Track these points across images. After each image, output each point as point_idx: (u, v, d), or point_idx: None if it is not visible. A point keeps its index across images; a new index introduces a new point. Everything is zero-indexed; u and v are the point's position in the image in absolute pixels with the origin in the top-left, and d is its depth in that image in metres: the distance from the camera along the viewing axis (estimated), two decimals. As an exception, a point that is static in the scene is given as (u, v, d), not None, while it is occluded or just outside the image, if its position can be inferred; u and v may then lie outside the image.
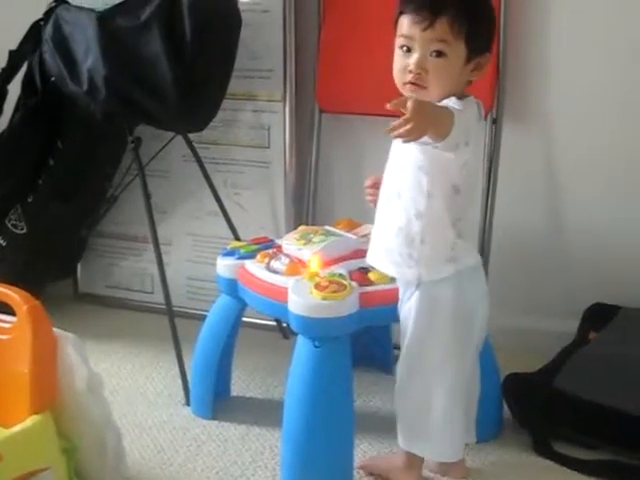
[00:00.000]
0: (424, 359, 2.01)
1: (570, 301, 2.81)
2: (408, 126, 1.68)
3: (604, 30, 2.74)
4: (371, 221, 2.29)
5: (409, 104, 1.68)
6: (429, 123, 1.73)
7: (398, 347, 2.11)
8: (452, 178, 1.92)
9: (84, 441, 1.88)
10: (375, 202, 2.12)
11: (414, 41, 1.88)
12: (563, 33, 2.78)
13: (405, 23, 1.90)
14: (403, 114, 1.68)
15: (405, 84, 1.91)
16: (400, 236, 1.97)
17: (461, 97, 1.90)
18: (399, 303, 2.07)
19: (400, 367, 2.05)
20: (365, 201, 2.23)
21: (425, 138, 1.77)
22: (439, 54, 1.86)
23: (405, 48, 1.90)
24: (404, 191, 1.96)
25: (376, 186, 2.14)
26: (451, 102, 1.85)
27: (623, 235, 2.82)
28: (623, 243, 2.83)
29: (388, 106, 1.70)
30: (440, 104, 1.84)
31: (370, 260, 2.12)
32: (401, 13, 1.92)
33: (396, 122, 1.69)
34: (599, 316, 2.72)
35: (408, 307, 2.02)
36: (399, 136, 1.71)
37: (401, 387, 2.06)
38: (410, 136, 1.71)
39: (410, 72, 1.88)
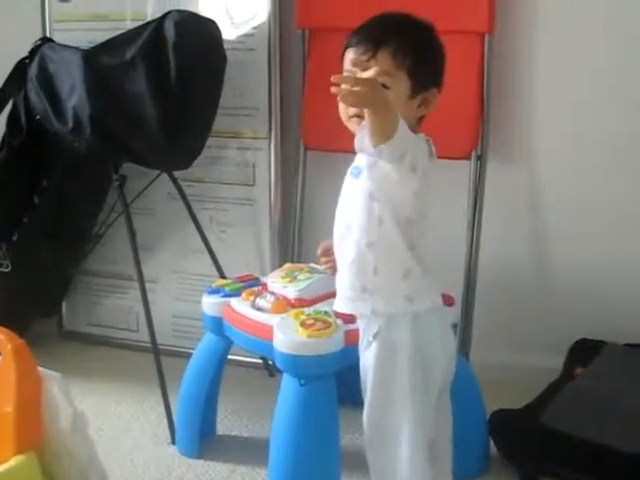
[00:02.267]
0: (387, 412, 1.95)
1: (556, 336, 2.81)
2: (357, 88, 1.66)
3: (589, 69, 2.78)
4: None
5: (371, 72, 1.72)
6: (374, 103, 1.69)
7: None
8: (403, 208, 1.88)
9: (69, 480, 1.87)
10: (333, 269, 2.09)
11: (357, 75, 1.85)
12: (548, 71, 2.80)
13: (349, 57, 1.90)
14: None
15: (350, 117, 1.90)
16: (352, 269, 1.92)
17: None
18: (359, 348, 1.99)
19: (366, 421, 1.98)
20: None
21: (364, 142, 1.76)
22: (382, 87, 1.81)
23: None
24: (354, 222, 1.92)
25: (328, 253, 2.12)
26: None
27: (608, 271, 2.84)
28: (608, 279, 2.84)
29: (333, 79, 1.68)
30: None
31: (335, 306, 2.05)
32: (346, 48, 1.92)
33: (348, 75, 1.70)
34: (585, 351, 2.72)
35: (365, 361, 1.96)
36: (341, 92, 1.68)
37: (369, 441, 2.01)
38: (351, 98, 1.69)
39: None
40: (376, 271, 1.90)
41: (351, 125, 1.91)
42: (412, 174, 1.82)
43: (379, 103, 1.70)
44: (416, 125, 1.93)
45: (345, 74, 1.87)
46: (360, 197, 1.90)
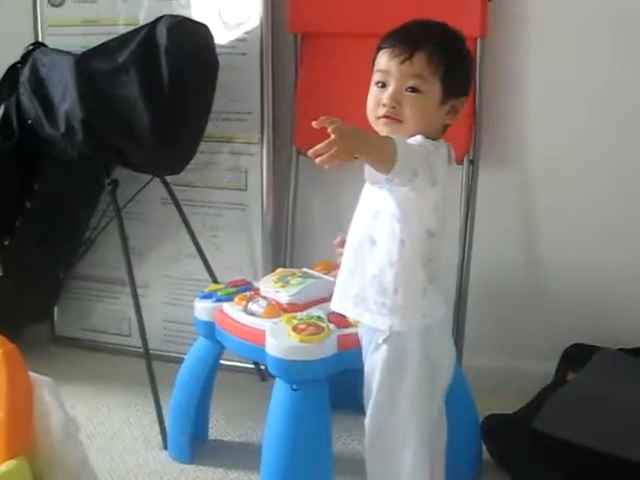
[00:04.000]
0: (392, 416, 1.97)
1: (548, 341, 2.81)
2: (332, 150, 1.64)
3: (582, 74, 2.78)
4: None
5: (330, 128, 1.65)
6: (356, 148, 1.68)
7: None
8: (426, 223, 1.89)
9: (60, 486, 1.86)
10: None
11: (390, 76, 1.87)
12: (540, 75, 2.81)
13: (383, 58, 1.90)
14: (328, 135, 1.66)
15: (378, 118, 1.89)
16: (374, 284, 1.93)
17: (434, 139, 1.89)
18: (363, 353, 2.02)
19: (369, 425, 2.00)
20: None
21: (375, 174, 1.76)
22: (414, 90, 1.85)
23: (380, 84, 1.89)
24: (380, 238, 1.92)
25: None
26: (415, 140, 1.84)
27: (601, 276, 2.84)
28: (601, 283, 2.85)
29: (314, 124, 1.67)
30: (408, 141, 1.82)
31: (337, 307, 2.06)
32: (380, 49, 1.92)
33: (319, 145, 1.66)
34: (578, 357, 2.72)
35: (372, 364, 1.98)
36: (322, 160, 1.66)
37: (371, 445, 2.02)
38: (335, 161, 1.66)
39: (384, 106, 1.87)
40: (396, 290, 1.91)
41: (378, 126, 1.90)
42: (432, 187, 1.83)
43: (358, 145, 1.70)
44: (440, 132, 1.94)
45: (372, 87, 1.91)
46: (386, 215, 1.90)
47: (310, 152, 1.67)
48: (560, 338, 2.78)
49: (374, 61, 1.94)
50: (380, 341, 1.94)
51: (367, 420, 2.00)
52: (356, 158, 1.73)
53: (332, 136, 1.64)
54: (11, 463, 1.73)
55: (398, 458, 1.98)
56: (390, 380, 1.95)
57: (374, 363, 1.97)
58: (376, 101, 1.89)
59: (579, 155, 2.82)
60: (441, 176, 1.85)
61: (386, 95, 1.87)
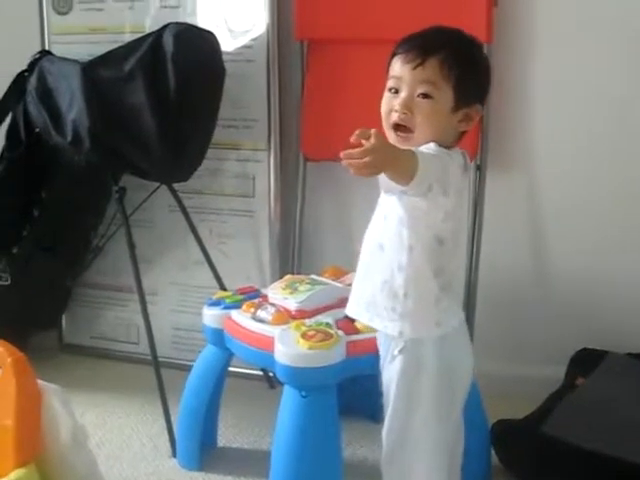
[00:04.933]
0: (409, 425, 1.96)
1: (557, 346, 2.81)
2: (366, 159, 1.63)
3: (589, 78, 2.78)
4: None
5: (372, 138, 1.64)
6: (387, 163, 1.68)
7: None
8: (434, 230, 1.88)
9: (69, 494, 1.86)
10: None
11: (402, 82, 1.86)
12: (547, 80, 2.80)
13: (396, 64, 1.89)
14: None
15: (392, 127, 1.88)
16: (384, 289, 1.92)
17: (448, 148, 1.88)
18: (380, 362, 2.01)
19: (386, 434, 1.99)
20: (351, 249, 2.21)
21: (389, 184, 1.76)
22: (425, 96, 1.84)
23: (393, 90, 1.88)
24: (387, 243, 1.92)
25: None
26: (428, 148, 1.83)
27: (610, 280, 2.84)
28: (610, 288, 2.84)
29: (352, 139, 1.67)
30: (420, 149, 1.81)
31: (352, 312, 2.06)
32: (394, 55, 1.91)
33: (354, 151, 1.65)
34: (586, 361, 2.71)
35: (389, 373, 1.97)
36: (352, 166, 1.66)
37: (388, 455, 2.01)
38: (364, 170, 1.66)
39: (395, 112, 1.86)
40: (406, 295, 1.90)
41: (391, 136, 1.88)
42: (444, 197, 1.82)
43: (390, 160, 1.69)
44: (455, 140, 1.92)
45: (385, 94, 1.90)
46: (393, 220, 1.89)
47: (343, 154, 1.66)
48: (568, 343, 2.77)
49: (388, 67, 1.93)
50: (396, 352, 1.93)
51: (385, 429, 1.99)
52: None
53: (371, 141, 1.64)
54: (20, 471, 1.73)
55: (415, 467, 1.97)
56: (407, 389, 1.94)
57: (391, 374, 1.96)
58: (388, 107, 1.88)
59: (586, 160, 2.82)
60: (454, 186, 1.84)
61: (398, 101, 1.86)
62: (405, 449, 1.97)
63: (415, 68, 1.85)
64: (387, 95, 1.90)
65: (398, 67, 1.88)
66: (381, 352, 2.01)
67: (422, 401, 1.94)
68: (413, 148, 1.79)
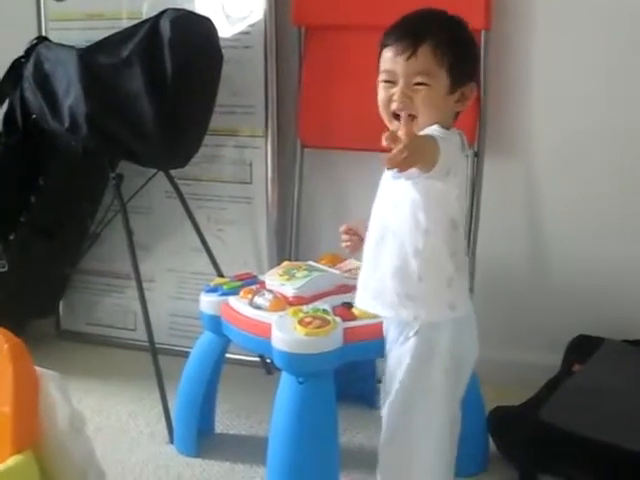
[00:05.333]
0: (414, 410, 1.95)
1: (554, 333, 2.81)
2: (404, 154, 1.63)
3: (587, 64, 2.78)
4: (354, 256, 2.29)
5: (402, 134, 1.65)
6: (420, 154, 1.69)
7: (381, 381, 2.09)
8: (449, 212, 1.89)
9: (67, 480, 1.86)
10: (352, 248, 2.11)
11: (397, 74, 1.86)
12: (545, 66, 2.80)
13: (387, 56, 1.88)
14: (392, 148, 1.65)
15: (392, 117, 1.88)
16: (397, 276, 1.90)
17: (447, 129, 1.88)
18: (387, 347, 2.00)
19: (387, 418, 1.98)
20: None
21: (412, 171, 1.75)
22: (422, 84, 1.84)
23: (388, 83, 1.88)
24: (399, 229, 1.90)
25: (351, 232, 2.11)
26: (433, 130, 1.83)
27: (606, 267, 2.84)
28: (606, 275, 2.84)
29: (384, 142, 1.65)
30: (423, 132, 1.81)
31: (362, 304, 2.04)
32: (383, 47, 1.91)
33: (392, 153, 1.64)
34: (583, 348, 2.71)
35: (400, 353, 1.95)
36: (397, 166, 1.66)
37: (388, 440, 2.00)
38: (404, 166, 1.66)
39: (394, 101, 1.86)
40: (421, 279, 1.89)
41: (393, 126, 1.88)
42: (454, 177, 1.83)
43: (421, 151, 1.69)
44: (452, 120, 1.93)
45: (380, 86, 1.90)
46: (406, 205, 1.88)
47: (386, 162, 1.66)
48: (565, 329, 2.77)
49: (379, 58, 1.92)
50: (411, 334, 1.92)
51: (386, 410, 1.97)
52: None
53: (404, 140, 1.63)
54: (17, 457, 1.73)
55: (419, 449, 1.97)
56: (418, 370, 1.93)
57: (401, 355, 1.94)
58: (386, 97, 1.88)
59: (584, 146, 2.82)
60: (459, 168, 1.86)
61: (395, 91, 1.86)
62: (409, 431, 1.97)
63: (409, 59, 1.84)
64: (381, 86, 1.90)
65: (390, 59, 1.88)
66: (389, 337, 2.00)
67: (432, 383, 1.94)
68: (429, 133, 1.79)
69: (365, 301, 2.02)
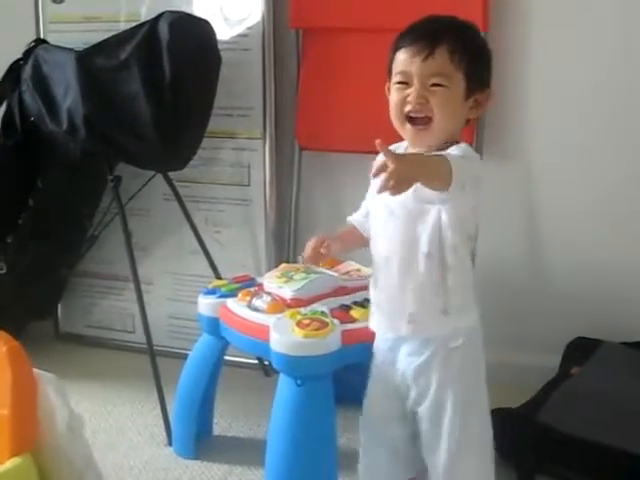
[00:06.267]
0: (469, 427, 1.92)
1: (552, 335, 2.81)
2: (391, 182, 1.60)
3: (584, 67, 2.78)
4: (352, 258, 2.29)
5: (389, 163, 1.60)
6: (416, 174, 1.65)
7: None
8: (468, 228, 1.87)
9: (65, 483, 1.86)
10: (311, 261, 2.08)
11: (412, 76, 1.82)
12: (542, 68, 2.81)
13: (402, 58, 1.85)
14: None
15: (405, 121, 1.84)
16: (437, 294, 1.86)
17: (456, 143, 1.85)
18: (403, 366, 1.93)
19: (446, 451, 1.91)
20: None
21: (430, 194, 1.74)
22: (439, 85, 1.81)
23: (403, 85, 1.84)
24: (435, 247, 1.85)
25: (317, 249, 2.04)
26: (454, 149, 1.80)
27: (604, 269, 2.84)
28: (604, 278, 2.84)
29: (373, 173, 1.64)
30: (439, 153, 1.76)
31: (387, 328, 1.95)
32: (397, 50, 1.87)
33: (382, 179, 1.62)
34: (581, 350, 2.72)
35: (444, 372, 1.90)
36: (390, 191, 1.63)
37: (452, 460, 1.93)
38: (398, 189, 1.62)
39: (409, 103, 1.82)
40: (455, 293, 1.88)
41: (405, 132, 1.87)
42: (476, 192, 1.80)
43: (418, 172, 1.66)
44: (463, 127, 1.91)
45: (393, 87, 1.86)
46: (428, 226, 1.84)
47: (378, 189, 1.64)
48: (564, 332, 2.78)
49: (391, 63, 1.89)
50: (454, 345, 1.89)
51: (444, 443, 1.91)
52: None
53: (389, 166, 1.61)
54: (16, 460, 1.73)
55: (474, 464, 1.95)
56: (466, 385, 1.91)
57: (446, 375, 1.90)
58: (400, 98, 1.84)
59: (582, 149, 2.82)
60: (473, 178, 1.79)
61: (411, 92, 1.82)
62: (467, 453, 1.93)
63: (425, 59, 1.81)
64: (395, 88, 1.86)
65: (406, 60, 1.84)
66: (406, 350, 1.93)
67: (479, 398, 1.94)
68: (444, 153, 1.76)
69: (399, 327, 1.92)
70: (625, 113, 2.78)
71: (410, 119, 1.84)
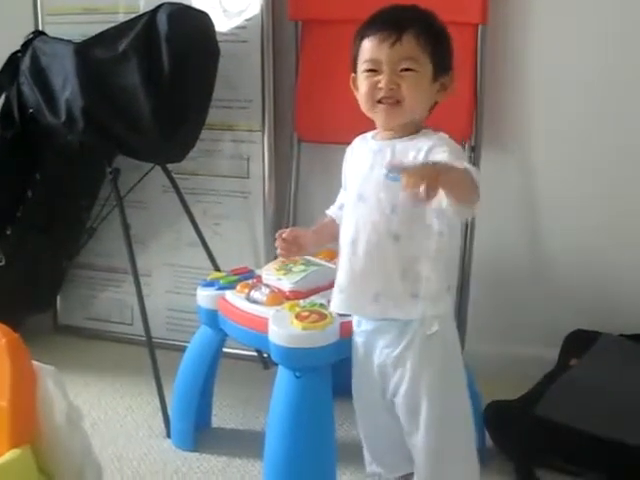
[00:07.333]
0: (450, 417, 1.95)
1: (551, 327, 2.82)
2: (432, 192, 1.63)
3: (583, 59, 2.78)
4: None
5: (426, 176, 1.64)
6: (449, 183, 1.68)
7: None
8: (451, 218, 1.87)
9: (64, 474, 1.86)
10: (285, 255, 2.14)
11: (381, 62, 1.86)
12: (542, 61, 2.80)
13: (369, 45, 1.88)
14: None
15: (376, 102, 1.88)
16: (406, 278, 1.87)
17: (434, 131, 1.89)
18: (382, 354, 1.96)
19: (428, 431, 1.94)
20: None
21: (466, 212, 1.79)
22: (409, 70, 1.84)
23: (371, 72, 1.88)
24: (405, 233, 1.87)
25: (288, 240, 2.09)
26: (441, 151, 1.81)
27: (603, 262, 2.84)
28: (603, 270, 2.85)
29: (406, 188, 1.66)
30: (441, 161, 1.77)
31: (348, 308, 2.00)
32: (362, 39, 1.90)
33: (411, 194, 1.66)
34: (580, 342, 2.72)
35: (417, 359, 1.91)
36: (420, 198, 1.64)
37: (435, 452, 1.96)
38: (428, 197, 1.64)
39: (381, 89, 1.86)
40: (429, 280, 1.88)
41: (376, 113, 1.90)
42: None
43: (449, 184, 1.68)
44: (430, 111, 1.95)
45: (362, 75, 1.90)
46: (416, 211, 1.85)
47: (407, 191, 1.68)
48: (562, 324, 2.78)
49: (356, 53, 1.93)
50: (429, 333, 1.90)
51: (423, 428, 1.94)
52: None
53: (428, 179, 1.63)
54: (15, 452, 1.73)
55: (459, 455, 1.98)
56: (444, 371, 1.93)
57: (417, 362, 1.91)
58: (371, 85, 1.87)
59: (581, 140, 2.82)
60: None
61: (384, 78, 1.86)
62: (451, 442, 1.96)
63: (393, 45, 1.84)
64: (365, 75, 1.89)
65: (373, 47, 1.87)
66: (380, 342, 1.97)
67: (456, 378, 1.97)
68: (464, 165, 1.79)
69: (363, 306, 1.95)
70: (626, 105, 2.77)
71: (379, 101, 1.88)
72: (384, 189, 1.89)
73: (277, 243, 2.12)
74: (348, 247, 1.95)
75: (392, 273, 1.89)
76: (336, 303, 2.00)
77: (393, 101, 1.86)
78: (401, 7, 1.93)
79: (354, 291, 1.95)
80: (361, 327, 2.01)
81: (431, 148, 1.83)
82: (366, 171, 1.94)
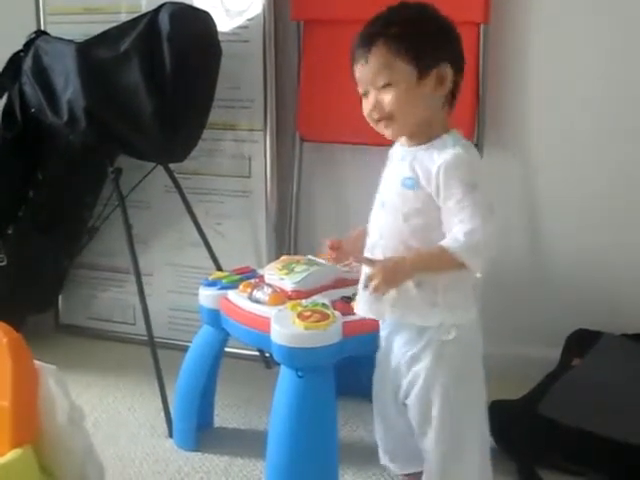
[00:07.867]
0: (464, 418, 1.95)
1: (553, 327, 2.81)
2: (374, 282, 1.77)
3: (585, 59, 2.77)
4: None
5: (371, 276, 1.79)
6: (402, 279, 1.81)
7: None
8: None
9: (65, 474, 1.86)
10: (336, 262, 2.14)
11: (365, 84, 1.87)
12: (544, 60, 2.80)
13: (355, 69, 1.90)
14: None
15: (376, 122, 1.89)
16: (422, 287, 1.87)
17: (448, 131, 1.88)
18: (398, 360, 1.98)
19: (440, 430, 1.95)
20: (347, 230, 2.19)
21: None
22: (385, 86, 1.83)
23: (364, 95, 1.90)
24: (420, 242, 1.86)
25: (335, 246, 2.07)
26: (449, 151, 1.81)
27: (605, 261, 2.84)
28: (605, 269, 2.84)
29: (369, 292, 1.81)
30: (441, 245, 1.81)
31: (369, 312, 1.98)
32: (352, 63, 1.92)
33: (369, 293, 1.82)
34: (582, 342, 2.72)
35: (441, 358, 1.92)
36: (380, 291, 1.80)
37: (445, 451, 1.96)
38: (381, 290, 1.79)
39: (372, 110, 1.87)
40: (447, 288, 1.89)
41: (379, 129, 1.91)
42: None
43: (405, 277, 1.83)
44: (444, 108, 1.91)
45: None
46: (421, 220, 1.86)
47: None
48: (564, 324, 2.77)
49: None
50: (449, 337, 1.90)
51: (437, 426, 1.94)
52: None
53: (374, 282, 1.78)
54: (17, 451, 1.73)
55: (471, 457, 1.97)
56: (463, 377, 1.94)
57: (431, 363, 1.92)
58: (365, 107, 1.90)
59: (583, 140, 2.81)
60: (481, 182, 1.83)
61: (367, 106, 1.88)
62: (461, 443, 1.96)
63: (366, 64, 1.85)
64: (363, 99, 1.91)
65: (356, 71, 1.90)
66: (396, 343, 1.99)
67: (473, 384, 1.97)
68: (448, 245, 1.82)
69: (382, 312, 1.95)
70: (627, 107, 2.77)
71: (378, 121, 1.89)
72: (399, 197, 1.89)
73: (329, 253, 2.10)
74: (369, 252, 1.96)
75: (407, 282, 1.87)
76: (359, 306, 2.01)
77: (386, 118, 1.87)
78: (373, 19, 1.91)
79: (373, 297, 1.92)
80: (384, 322, 2.03)
81: (441, 172, 1.81)
82: (390, 177, 1.95)
